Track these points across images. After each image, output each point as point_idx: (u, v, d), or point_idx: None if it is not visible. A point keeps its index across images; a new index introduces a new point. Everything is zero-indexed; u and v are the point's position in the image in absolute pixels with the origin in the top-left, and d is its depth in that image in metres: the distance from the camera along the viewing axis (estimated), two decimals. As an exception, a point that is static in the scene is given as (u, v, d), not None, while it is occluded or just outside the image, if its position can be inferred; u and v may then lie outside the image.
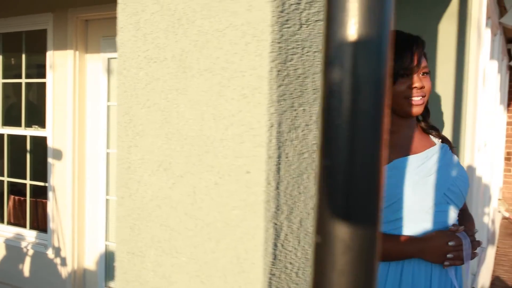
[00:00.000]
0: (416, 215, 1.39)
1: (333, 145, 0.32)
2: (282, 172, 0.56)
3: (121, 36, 0.64)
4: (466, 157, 2.35)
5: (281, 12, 0.53)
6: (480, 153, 3.27)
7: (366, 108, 0.33)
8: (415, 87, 1.41)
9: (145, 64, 0.61)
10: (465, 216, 1.57)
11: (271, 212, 0.54)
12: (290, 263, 0.59)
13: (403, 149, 1.46)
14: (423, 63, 1.43)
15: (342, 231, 0.30)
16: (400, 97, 1.42)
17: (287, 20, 0.55)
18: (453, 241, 1.35)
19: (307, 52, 0.59)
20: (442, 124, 2.31)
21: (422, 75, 1.43)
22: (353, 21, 0.32)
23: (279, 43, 0.53)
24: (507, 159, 7.45)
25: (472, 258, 1.38)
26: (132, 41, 0.62)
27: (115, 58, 3.09)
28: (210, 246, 0.58)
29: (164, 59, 0.60)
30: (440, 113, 2.31)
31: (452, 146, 1.59)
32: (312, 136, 0.62)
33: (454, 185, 1.45)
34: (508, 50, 6.99)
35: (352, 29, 0.32)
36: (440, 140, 1.56)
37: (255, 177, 0.54)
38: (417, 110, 1.44)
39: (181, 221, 0.60)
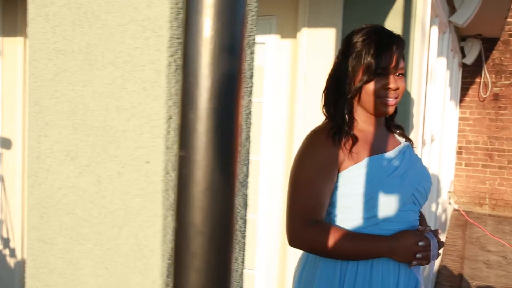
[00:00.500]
0: (385, 214, 1.41)
1: (188, 137, 0.35)
2: (182, 162, 0.58)
3: (31, 28, 0.65)
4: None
5: (180, 9, 0.55)
6: (427, 147, 3.38)
7: (219, 105, 0.35)
8: (389, 88, 1.43)
9: (54, 56, 0.62)
10: (421, 215, 1.60)
11: (169, 201, 0.57)
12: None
13: (373, 147, 1.47)
14: (401, 63, 1.44)
15: (194, 217, 0.33)
16: (373, 96, 1.43)
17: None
18: (422, 241, 1.38)
19: (212, 48, 0.62)
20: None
21: (397, 75, 1.44)
22: (208, 23, 0.34)
23: (177, 38, 0.55)
24: (458, 153, 7.70)
25: (436, 258, 1.42)
26: (41, 33, 0.63)
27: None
28: (113, 233, 0.60)
29: (71, 52, 0.61)
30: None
31: (413, 145, 1.63)
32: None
33: (421, 185, 1.48)
34: (461, 48, 7.20)
35: (206, 30, 0.35)
36: (404, 139, 1.59)
37: (154, 167, 0.56)
38: (389, 110, 1.46)
39: (87, 209, 0.62)
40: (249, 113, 0.72)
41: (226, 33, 0.34)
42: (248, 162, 0.73)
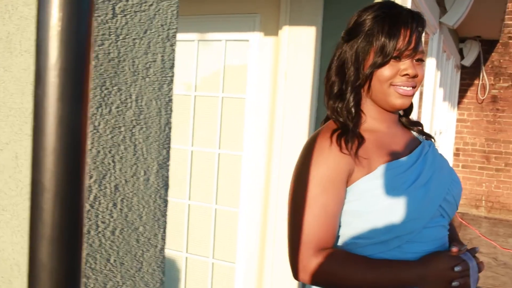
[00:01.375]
0: (409, 233, 1.16)
1: (38, 125, 0.41)
2: (90, 141, 0.64)
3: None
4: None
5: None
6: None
7: (66, 95, 0.41)
8: (406, 74, 1.18)
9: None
10: (452, 229, 1.33)
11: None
12: (103, 222, 0.68)
13: (388, 151, 1.22)
14: (421, 47, 1.21)
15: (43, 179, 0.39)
16: (386, 84, 1.19)
17: (96, 10, 0.63)
18: (459, 266, 1.12)
19: (124, 39, 0.68)
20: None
21: (416, 61, 1.21)
22: (55, 16, 0.40)
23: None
24: (456, 154, 7.72)
25: (476, 284, 1.16)
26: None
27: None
28: (28, 204, 0.66)
29: (-4, 40, 0.68)
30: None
31: (435, 142, 1.37)
32: (131, 113, 0.70)
33: (449, 193, 1.23)
34: (460, 50, 7.22)
35: (52, 23, 0.41)
36: (424, 136, 1.34)
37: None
38: (404, 102, 1.21)
39: (7, 183, 0.68)
40: (169, 101, 0.78)
41: (72, 23, 0.40)
42: (169, 147, 0.79)
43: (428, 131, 5.12)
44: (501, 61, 7.42)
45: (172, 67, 0.76)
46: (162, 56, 0.74)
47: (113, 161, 0.67)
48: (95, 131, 0.64)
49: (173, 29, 0.75)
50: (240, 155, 2.79)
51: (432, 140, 1.35)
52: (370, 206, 1.15)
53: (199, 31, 2.89)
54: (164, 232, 0.79)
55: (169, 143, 0.77)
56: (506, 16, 7.29)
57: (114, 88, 0.66)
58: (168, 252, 3.02)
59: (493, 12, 5.35)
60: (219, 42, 2.84)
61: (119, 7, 0.66)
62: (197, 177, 2.93)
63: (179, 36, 2.88)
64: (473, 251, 1.18)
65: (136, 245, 0.74)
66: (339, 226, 1.20)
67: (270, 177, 2.65)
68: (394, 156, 1.21)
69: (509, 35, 7.35)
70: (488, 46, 7.42)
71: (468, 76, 7.60)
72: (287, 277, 2.59)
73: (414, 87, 1.21)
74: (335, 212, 1.16)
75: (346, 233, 1.19)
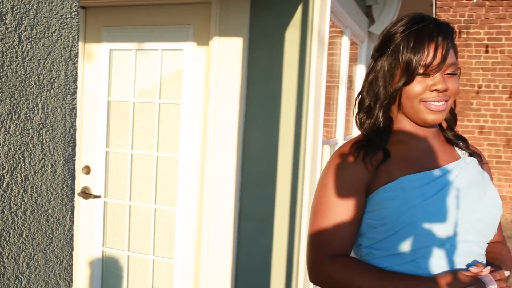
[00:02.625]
0: (424, 248, 1.15)
1: None
2: (2, 140, 0.82)
3: None
4: (308, 152, 2.72)
5: (-5, 33, 0.79)
6: (329, 147, 3.68)
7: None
8: (436, 89, 1.17)
9: None
10: (497, 253, 1.27)
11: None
12: (15, 204, 0.86)
13: (412, 164, 1.21)
14: (450, 59, 1.18)
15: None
16: (416, 100, 1.19)
17: (3, 39, 0.81)
18: (473, 286, 1.09)
19: (30, 60, 0.86)
20: (287, 122, 2.67)
21: (447, 74, 1.19)
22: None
23: (-7, 53, 0.79)
24: (396, 155, 8.09)
25: None
26: None
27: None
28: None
29: None
30: (285, 112, 2.66)
31: (483, 161, 1.34)
32: (38, 118, 0.88)
33: (478, 210, 1.18)
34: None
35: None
36: (468, 153, 1.32)
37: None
38: (436, 117, 1.20)
39: None
40: (73, 108, 0.96)
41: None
42: (74, 145, 0.97)
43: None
44: (435, 66, 7.87)
45: (75, 81, 0.95)
46: (65, 72, 0.92)
47: (23, 156, 0.85)
48: (6, 132, 0.82)
49: (74, 50, 0.94)
50: (176, 157, 2.98)
51: (477, 157, 1.31)
52: (385, 218, 1.16)
53: (136, 41, 3.05)
54: (72, 214, 0.97)
55: (74, 142, 0.95)
56: (439, 24, 7.76)
57: (22, 98, 0.84)
58: (111, 251, 3.17)
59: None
60: (156, 52, 3.02)
61: (25, 35, 0.84)
62: (137, 179, 3.09)
63: (118, 45, 3.04)
64: (498, 274, 1.11)
65: (46, 224, 0.91)
66: (359, 236, 1.23)
67: (204, 178, 2.84)
68: (418, 169, 1.19)
69: (443, 42, 7.82)
70: (424, 52, 7.86)
71: (406, 81, 8.01)
72: (221, 271, 2.79)
73: (446, 101, 1.19)
74: (351, 220, 1.18)
75: (364, 243, 1.22)
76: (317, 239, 1.20)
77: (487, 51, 7.62)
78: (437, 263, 1.14)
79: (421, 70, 1.16)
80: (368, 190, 1.19)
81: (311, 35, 2.66)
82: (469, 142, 1.38)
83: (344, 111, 3.66)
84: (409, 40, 1.17)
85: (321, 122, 2.91)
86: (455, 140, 1.32)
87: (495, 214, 1.22)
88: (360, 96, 1.30)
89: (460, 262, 1.16)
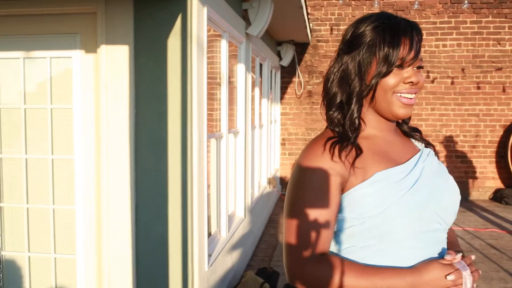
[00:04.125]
0: (402, 240, 1.19)
1: None
2: None
3: None
4: (194, 146, 3.04)
5: None
6: (222, 141, 4.06)
7: None
8: (410, 81, 1.23)
9: None
10: (450, 237, 1.36)
11: None
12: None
13: (384, 159, 1.25)
14: (420, 55, 1.25)
15: None
16: (390, 92, 1.23)
17: None
18: (452, 274, 1.14)
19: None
20: (174, 120, 2.97)
21: (417, 68, 1.25)
22: None
23: None
24: (282, 144, 8.73)
25: None
26: None
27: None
28: None
29: None
30: (172, 111, 2.96)
31: (436, 151, 1.39)
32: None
33: (445, 199, 1.26)
34: (278, 52, 8.20)
35: None
36: (424, 144, 1.38)
37: None
38: (407, 112, 1.26)
39: None
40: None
41: None
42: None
43: (257, 123, 5.89)
44: (312, 60, 8.58)
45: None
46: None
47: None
48: None
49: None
50: (72, 159, 3.15)
51: (432, 148, 1.37)
52: (364, 213, 1.18)
53: (24, 50, 3.17)
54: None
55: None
56: (314, 23, 8.47)
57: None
58: (10, 254, 3.27)
59: (295, 21, 6.30)
60: (44, 59, 3.16)
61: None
62: (33, 182, 3.22)
63: (4, 54, 3.15)
64: (468, 259, 1.18)
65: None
66: (337, 231, 1.24)
67: (100, 176, 3.06)
68: (390, 163, 1.23)
69: (317, 38, 8.54)
70: (301, 48, 8.53)
71: (287, 75, 8.65)
72: (122, 260, 3.03)
73: (415, 93, 1.25)
74: (329, 218, 1.19)
75: (341, 239, 1.24)
76: (297, 240, 1.19)
77: (355, 46, 8.44)
78: (414, 254, 1.20)
79: (398, 63, 1.21)
80: (344, 187, 1.20)
81: (191, 41, 2.98)
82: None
83: (226, 106, 4.04)
84: (385, 35, 1.21)
85: (205, 118, 3.25)
86: (410, 132, 1.38)
87: (457, 201, 1.29)
88: (331, 93, 1.29)
89: (434, 251, 1.22)
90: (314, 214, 1.19)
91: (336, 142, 1.22)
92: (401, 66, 1.22)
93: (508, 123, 8.28)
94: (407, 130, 1.38)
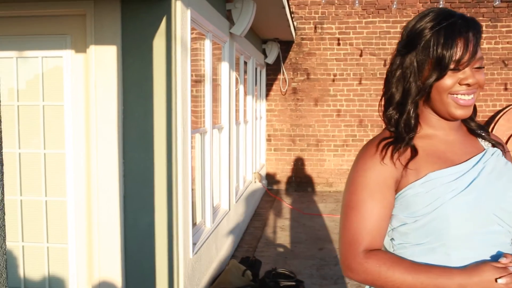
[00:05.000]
0: (455, 240, 1.20)
1: None
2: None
3: None
4: (179, 141, 3.24)
5: None
6: (206, 136, 4.26)
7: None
8: (467, 84, 1.20)
9: None
10: None
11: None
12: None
13: (440, 160, 1.25)
14: (479, 53, 1.21)
15: None
16: (445, 95, 1.22)
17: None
18: (504, 278, 1.12)
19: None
20: (160, 116, 3.16)
21: (475, 68, 1.21)
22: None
23: None
24: (268, 140, 8.93)
25: None
26: None
27: None
28: None
29: None
30: (157, 107, 3.15)
31: (505, 150, 1.37)
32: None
33: (506, 201, 1.23)
34: (264, 50, 8.40)
35: None
36: (491, 144, 1.35)
37: None
38: (464, 112, 1.24)
39: None
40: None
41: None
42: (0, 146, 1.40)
43: (242, 119, 6.08)
44: (297, 58, 8.80)
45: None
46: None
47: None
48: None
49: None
50: (63, 153, 3.34)
51: (500, 147, 1.35)
52: (415, 212, 1.21)
53: (17, 49, 3.34)
54: None
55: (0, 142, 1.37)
56: (298, 21, 8.68)
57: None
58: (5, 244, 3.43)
59: (278, 21, 6.51)
60: (36, 59, 3.34)
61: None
62: (26, 175, 3.40)
63: (-1, 54, 3.31)
64: None
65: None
66: (392, 229, 1.28)
67: (90, 168, 3.24)
68: (446, 163, 1.23)
69: (302, 37, 8.75)
70: (286, 46, 8.74)
71: (272, 72, 8.86)
72: (111, 248, 3.22)
73: (474, 93, 1.22)
74: (381, 216, 1.23)
75: (395, 237, 1.28)
76: (349, 234, 1.24)
77: (339, 44, 8.69)
78: (468, 255, 1.19)
79: (452, 65, 1.18)
80: (397, 187, 1.24)
81: (175, 42, 3.17)
82: (486, 128, 1.41)
83: (210, 103, 4.24)
84: (439, 36, 1.19)
85: (189, 114, 3.44)
86: (477, 130, 1.35)
87: None
88: (389, 93, 1.30)
89: (490, 252, 1.20)
90: (366, 211, 1.22)
91: (389, 143, 1.25)
92: (456, 69, 1.19)
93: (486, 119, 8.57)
94: (474, 128, 1.35)
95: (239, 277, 3.82)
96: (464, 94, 1.21)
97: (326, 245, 5.56)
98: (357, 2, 7.83)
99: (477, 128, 1.36)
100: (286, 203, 7.77)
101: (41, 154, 3.38)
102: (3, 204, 1.14)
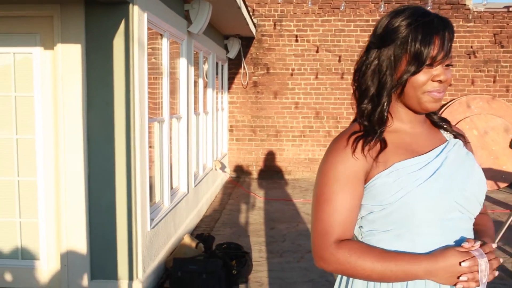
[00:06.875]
0: (420, 226, 1.25)
1: None
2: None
3: None
4: (137, 128, 3.71)
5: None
6: (164, 124, 4.73)
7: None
8: (439, 80, 1.25)
9: None
10: (482, 224, 1.40)
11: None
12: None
13: (407, 150, 1.30)
14: (451, 53, 1.27)
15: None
16: (419, 90, 1.26)
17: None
18: (467, 261, 1.18)
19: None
20: (119, 106, 3.63)
21: (446, 66, 1.27)
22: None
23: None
24: (230, 130, 9.44)
25: (490, 279, 1.21)
26: None
27: None
28: None
29: None
30: (118, 99, 3.62)
31: (466, 141, 1.42)
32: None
33: (467, 189, 1.29)
34: (225, 45, 8.88)
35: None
36: (453, 135, 1.41)
37: None
38: (436, 106, 1.29)
39: None
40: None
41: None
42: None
43: (201, 110, 6.56)
44: (257, 53, 9.31)
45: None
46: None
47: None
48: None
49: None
50: (33, 138, 3.77)
51: (461, 138, 1.40)
52: (382, 201, 1.25)
53: (-10, 46, 3.76)
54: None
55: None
56: (258, 18, 9.19)
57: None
58: (-19, 219, 3.86)
59: (236, 20, 7.00)
60: (9, 54, 3.76)
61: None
62: (0, 158, 3.82)
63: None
64: (487, 248, 1.21)
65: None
66: (360, 217, 1.32)
67: (58, 152, 3.69)
68: (411, 154, 1.29)
69: (262, 33, 9.26)
70: (247, 42, 9.24)
71: (234, 66, 9.35)
72: (78, 222, 3.68)
73: (444, 91, 1.27)
74: (352, 207, 1.27)
75: (364, 225, 1.32)
76: (321, 226, 1.28)
77: (296, 40, 9.23)
78: (433, 241, 1.24)
79: (428, 61, 1.23)
80: (366, 177, 1.28)
81: (133, 41, 3.64)
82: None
83: (168, 95, 4.71)
84: (417, 33, 1.23)
85: (146, 105, 3.92)
86: (440, 123, 1.41)
87: (481, 191, 1.32)
88: (364, 86, 1.32)
89: (453, 238, 1.26)
90: (337, 202, 1.26)
91: (360, 137, 1.29)
92: (430, 65, 1.23)
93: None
94: (436, 120, 1.41)
95: (192, 249, 4.32)
96: (436, 92, 1.26)
97: (277, 225, 6.11)
98: (310, 2, 8.36)
99: (439, 120, 1.41)
100: (246, 189, 8.31)
101: (13, 140, 3.80)
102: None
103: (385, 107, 1.29)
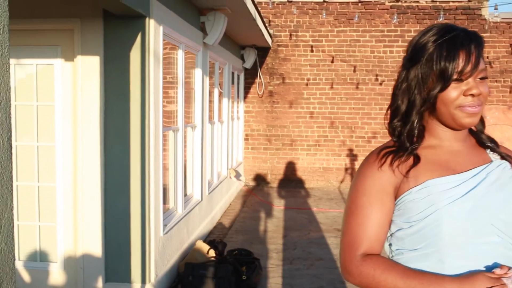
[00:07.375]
0: (449, 247, 1.22)
1: None
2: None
3: None
4: (151, 137, 3.86)
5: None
6: (179, 133, 4.89)
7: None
8: (471, 94, 1.24)
9: None
10: None
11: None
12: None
13: (442, 167, 1.28)
14: (481, 65, 1.25)
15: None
16: (451, 106, 1.25)
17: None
18: None
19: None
20: (135, 115, 3.78)
21: (478, 79, 1.25)
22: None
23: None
24: (246, 139, 9.58)
25: None
26: None
27: None
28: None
29: None
30: (133, 108, 3.78)
31: None
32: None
33: (507, 213, 1.24)
34: (242, 55, 9.04)
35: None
36: (500, 156, 1.36)
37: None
38: (472, 120, 1.26)
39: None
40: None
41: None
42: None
43: (216, 119, 6.71)
44: (273, 63, 9.45)
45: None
46: None
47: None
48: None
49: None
50: (53, 146, 3.95)
51: (510, 160, 1.35)
52: (411, 217, 1.25)
53: (15, 58, 3.95)
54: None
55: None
56: (274, 29, 9.33)
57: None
58: (2, 222, 4.03)
59: (251, 31, 7.15)
60: (31, 65, 3.95)
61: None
62: (21, 164, 4.01)
63: (-1, 61, 3.91)
64: None
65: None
66: (390, 234, 1.32)
67: (76, 159, 3.86)
68: (446, 172, 1.26)
69: (278, 43, 9.41)
70: (263, 52, 9.39)
71: (250, 76, 9.51)
72: (94, 229, 3.84)
73: (480, 105, 1.25)
74: (380, 221, 1.27)
75: (393, 243, 1.32)
76: (348, 238, 1.29)
77: (312, 50, 9.35)
78: (462, 264, 1.20)
79: (455, 76, 1.22)
80: (397, 193, 1.28)
81: (149, 53, 3.80)
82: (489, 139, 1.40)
83: (182, 104, 4.86)
84: (441, 49, 1.24)
85: (161, 114, 4.07)
86: (487, 142, 1.37)
87: None
88: (395, 105, 1.34)
89: (486, 263, 1.20)
90: (364, 216, 1.28)
91: (389, 152, 1.31)
92: (460, 80, 1.23)
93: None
94: (484, 140, 1.37)
95: (204, 254, 4.45)
96: (469, 107, 1.24)
97: (289, 233, 6.21)
98: (324, 13, 8.48)
99: (487, 140, 1.37)
100: (260, 197, 8.42)
101: (34, 147, 3.98)
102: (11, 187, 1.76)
103: (415, 125, 1.31)
